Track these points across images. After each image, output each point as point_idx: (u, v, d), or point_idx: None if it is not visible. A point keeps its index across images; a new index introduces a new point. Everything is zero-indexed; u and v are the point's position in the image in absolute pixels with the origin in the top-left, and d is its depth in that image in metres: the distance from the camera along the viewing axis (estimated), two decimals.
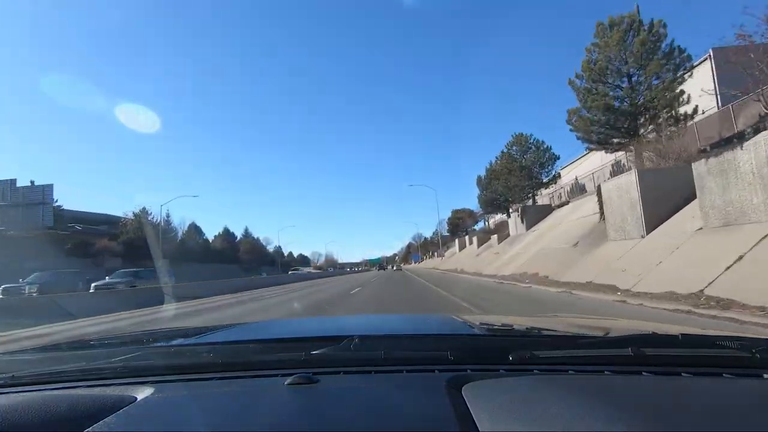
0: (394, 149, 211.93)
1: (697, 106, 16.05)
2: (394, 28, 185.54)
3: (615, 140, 17.63)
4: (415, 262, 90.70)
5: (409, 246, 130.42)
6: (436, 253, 66.82)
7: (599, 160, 26.06)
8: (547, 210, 25.38)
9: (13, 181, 32.52)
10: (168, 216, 51.32)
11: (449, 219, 73.94)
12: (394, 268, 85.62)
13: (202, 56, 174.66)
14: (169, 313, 11.87)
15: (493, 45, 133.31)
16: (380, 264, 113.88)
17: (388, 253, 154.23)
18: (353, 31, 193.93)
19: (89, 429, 0.64)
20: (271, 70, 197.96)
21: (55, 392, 0.84)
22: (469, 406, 0.66)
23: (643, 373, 0.82)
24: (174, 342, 1.43)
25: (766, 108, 11.79)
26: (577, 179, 27.22)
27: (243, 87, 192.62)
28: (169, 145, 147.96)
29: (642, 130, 16.66)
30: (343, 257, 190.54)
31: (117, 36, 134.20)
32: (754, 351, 0.83)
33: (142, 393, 0.78)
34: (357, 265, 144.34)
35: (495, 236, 30.75)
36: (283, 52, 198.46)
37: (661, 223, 10.06)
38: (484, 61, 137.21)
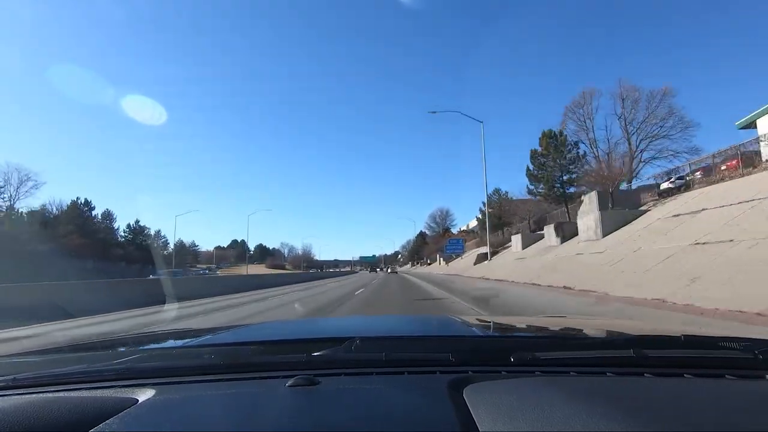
0: (395, 143, 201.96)
1: None
2: (389, 25, 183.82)
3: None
4: (446, 260, 51.35)
5: (422, 236, 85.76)
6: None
7: None
8: None
9: None
10: None
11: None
12: (388, 270, 69.02)
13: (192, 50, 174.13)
14: None
15: (496, 45, 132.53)
16: (372, 265, 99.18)
17: (389, 251, 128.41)
18: (352, 24, 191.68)
19: (91, 431, 0.64)
20: (261, 66, 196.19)
21: (57, 394, 0.84)
22: (470, 407, 0.66)
23: (645, 374, 0.82)
24: (175, 344, 1.43)
25: None
26: None
27: (232, 77, 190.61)
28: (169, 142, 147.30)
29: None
30: (339, 255, 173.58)
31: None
32: (756, 352, 0.83)
33: (144, 395, 0.78)
34: (348, 263, 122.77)
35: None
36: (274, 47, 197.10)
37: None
38: (488, 59, 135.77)
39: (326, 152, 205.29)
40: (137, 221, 72.99)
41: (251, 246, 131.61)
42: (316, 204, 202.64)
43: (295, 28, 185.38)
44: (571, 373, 0.84)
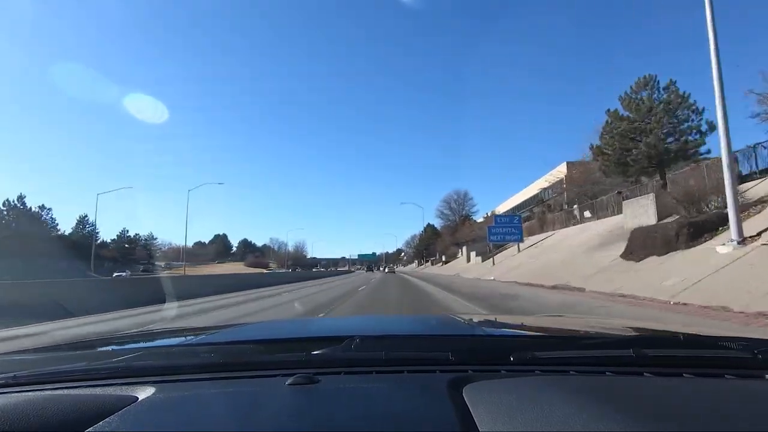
0: (395, 144, 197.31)
1: None
2: (389, 22, 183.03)
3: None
4: (481, 255, 33.84)
5: (432, 228, 66.83)
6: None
7: None
8: None
9: None
10: None
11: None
12: (385, 270, 62.54)
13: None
14: None
15: (498, 44, 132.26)
16: (369, 264, 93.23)
17: (391, 249, 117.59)
18: (352, 23, 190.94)
19: (90, 429, 0.64)
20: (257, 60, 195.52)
21: (57, 392, 0.84)
22: (469, 406, 0.66)
23: (645, 374, 0.82)
24: (175, 342, 1.43)
25: None
26: None
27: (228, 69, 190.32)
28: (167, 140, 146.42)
29: None
30: (338, 253, 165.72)
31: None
32: (755, 352, 0.83)
33: (143, 393, 0.78)
34: (347, 262, 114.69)
35: None
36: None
37: None
38: (488, 58, 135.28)
39: (326, 151, 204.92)
40: (21, 196, 53.69)
41: (234, 241, 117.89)
42: (315, 203, 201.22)
43: (295, 28, 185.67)
44: (571, 372, 0.84)
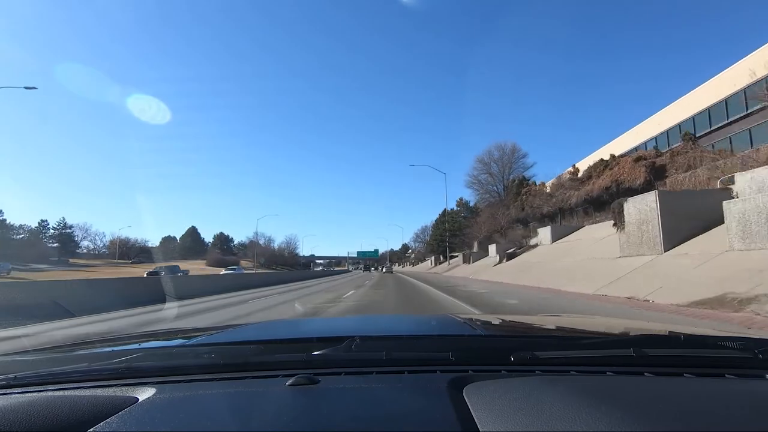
0: (393, 145, 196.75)
1: None
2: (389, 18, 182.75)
3: None
4: None
5: (461, 208, 48.04)
6: None
7: None
8: None
9: None
10: None
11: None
12: (383, 270, 58.95)
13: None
14: None
15: (498, 44, 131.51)
16: (366, 263, 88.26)
17: (396, 246, 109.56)
18: (353, 22, 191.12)
19: (91, 430, 0.64)
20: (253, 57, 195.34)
21: (58, 393, 0.84)
22: (470, 407, 0.66)
23: (645, 373, 0.82)
24: (175, 343, 1.43)
25: None
26: None
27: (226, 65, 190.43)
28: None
29: None
30: (339, 251, 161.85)
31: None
32: (756, 352, 0.84)
33: (144, 394, 0.78)
34: (345, 260, 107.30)
35: None
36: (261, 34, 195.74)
37: None
38: (489, 58, 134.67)
39: (326, 150, 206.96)
40: None
41: (208, 236, 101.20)
42: (315, 202, 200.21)
43: (295, 28, 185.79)
44: (571, 372, 0.84)
